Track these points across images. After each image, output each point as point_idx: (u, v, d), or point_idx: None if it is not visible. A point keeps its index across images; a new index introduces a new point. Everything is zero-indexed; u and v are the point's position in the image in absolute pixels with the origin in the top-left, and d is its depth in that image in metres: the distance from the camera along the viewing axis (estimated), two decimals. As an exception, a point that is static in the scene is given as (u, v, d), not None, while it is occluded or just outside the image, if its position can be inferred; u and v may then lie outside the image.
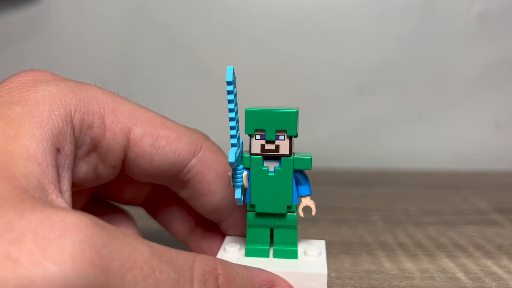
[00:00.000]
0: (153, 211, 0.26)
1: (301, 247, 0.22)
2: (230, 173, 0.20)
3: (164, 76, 0.56)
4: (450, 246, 0.31)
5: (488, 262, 0.28)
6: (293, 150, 0.21)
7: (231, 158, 0.18)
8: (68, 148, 0.17)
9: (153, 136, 0.20)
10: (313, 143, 0.56)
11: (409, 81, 0.55)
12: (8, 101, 0.16)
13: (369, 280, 0.26)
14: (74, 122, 0.18)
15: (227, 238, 0.24)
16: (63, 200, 0.16)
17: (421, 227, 0.34)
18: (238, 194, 0.20)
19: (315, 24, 0.54)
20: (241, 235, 0.24)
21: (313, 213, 0.21)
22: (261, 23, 0.54)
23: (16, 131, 0.15)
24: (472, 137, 0.56)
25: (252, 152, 0.20)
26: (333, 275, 0.26)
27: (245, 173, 0.20)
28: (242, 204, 0.20)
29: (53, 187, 0.15)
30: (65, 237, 0.12)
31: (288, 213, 0.21)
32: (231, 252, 0.21)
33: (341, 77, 0.55)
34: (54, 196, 0.15)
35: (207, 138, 0.23)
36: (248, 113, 0.20)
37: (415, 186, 0.47)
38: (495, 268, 0.27)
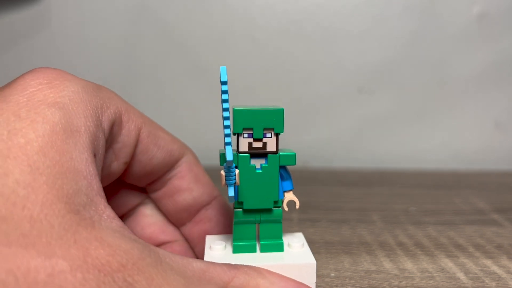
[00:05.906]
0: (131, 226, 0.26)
1: (284, 240, 0.22)
2: (222, 172, 0.20)
3: (164, 76, 0.56)
4: (450, 246, 0.31)
5: (488, 262, 0.28)
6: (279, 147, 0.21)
7: (229, 156, 0.18)
8: (101, 152, 0.18)
9: (155, 136, 0.22)
10: (313, 143, 0.56)
11: (409, 81, 0.55)
12: (44, 101, 0.16)
13: (368, 280, 0.26)
14: (103, 126, 0.18)
15: (209, 237, 0.24)
16: (111, 211, 0.16)
17: (421, 227, 0.34)
18: (231, 191, 0.20)
19: (315, 24, 0.54)
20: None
21: (297, 206, 0.22)
22: (261, 23, 0.55)
23: (61, 144, 0.15)
24: (472, 137, 0.56)
25: (240, 150, 0.21)
26: (332, 274, 0.26)
27: (237, 171, 0.20)
28: (234, 201, 0.21)
29: (99, 198, 0.16)
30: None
31: (274, 208, 0.22)
32: (218, 250, 0.22)
33: (341, 77, 0.55)
34: (101, 208, 0.16)
35: (187, 146, 0.25)
36: (236, 112, 0.20)
37: (415, 186, 0.47)
38: (494, 268, 0.27)
